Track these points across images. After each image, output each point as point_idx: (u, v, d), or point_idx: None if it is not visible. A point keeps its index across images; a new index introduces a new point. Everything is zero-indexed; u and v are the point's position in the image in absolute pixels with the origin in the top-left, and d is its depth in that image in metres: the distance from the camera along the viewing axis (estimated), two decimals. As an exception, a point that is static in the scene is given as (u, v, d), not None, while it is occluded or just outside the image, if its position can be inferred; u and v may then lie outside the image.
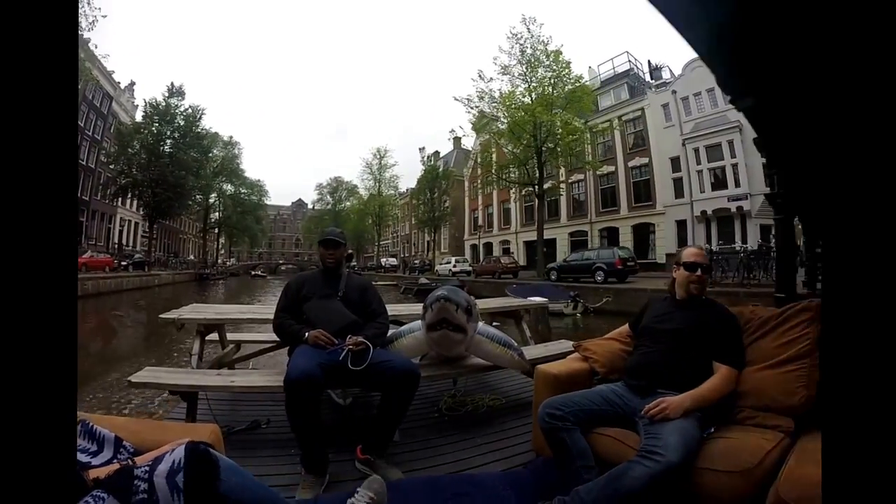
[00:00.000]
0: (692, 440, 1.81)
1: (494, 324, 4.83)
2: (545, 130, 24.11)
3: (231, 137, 53.04)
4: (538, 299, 7.26)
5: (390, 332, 3.09)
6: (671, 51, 53.57)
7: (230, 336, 4.41)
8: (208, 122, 67.39)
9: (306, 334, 2.65)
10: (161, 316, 3.57)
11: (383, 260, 55.72)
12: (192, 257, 52.45)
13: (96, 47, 31.05)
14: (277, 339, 3.19)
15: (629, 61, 34.26)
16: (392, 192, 55.96)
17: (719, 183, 24.61)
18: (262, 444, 2.90)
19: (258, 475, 2.48)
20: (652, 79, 33.91)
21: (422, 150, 45.92)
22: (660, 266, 24.71)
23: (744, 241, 22.44)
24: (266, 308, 4.00)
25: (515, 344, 3.28)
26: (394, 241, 65.60)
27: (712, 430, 1.97)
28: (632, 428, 2.03)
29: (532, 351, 3.70)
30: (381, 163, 53.67)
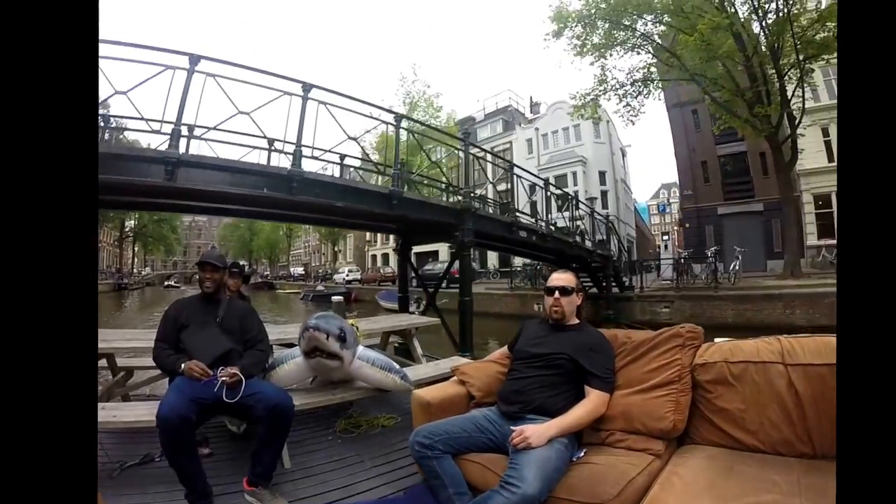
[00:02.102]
0: (552, 470, 1.63)
1: (392, 339, 4.55)
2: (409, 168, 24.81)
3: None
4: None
5: (276, 354, 2.72)
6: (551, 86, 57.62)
7: (121, 362, 3.63)
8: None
9: (182, 366, 2.21)
10: None
11: (292, 269, 52.69)
12: (107, 267, 46.11)
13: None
14: None
15: (510, 98, 35.58)
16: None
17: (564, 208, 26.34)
18: (155, 478, 2.38)
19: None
20: (532, 113, 35.74)
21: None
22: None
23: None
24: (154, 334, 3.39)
25: (397, 367, 2.95)
26: (305, 250, 62.53)
27: (582, 454, 1.82)
28: (506, 454, 1.80)
29: (420, 370, 3.43)
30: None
